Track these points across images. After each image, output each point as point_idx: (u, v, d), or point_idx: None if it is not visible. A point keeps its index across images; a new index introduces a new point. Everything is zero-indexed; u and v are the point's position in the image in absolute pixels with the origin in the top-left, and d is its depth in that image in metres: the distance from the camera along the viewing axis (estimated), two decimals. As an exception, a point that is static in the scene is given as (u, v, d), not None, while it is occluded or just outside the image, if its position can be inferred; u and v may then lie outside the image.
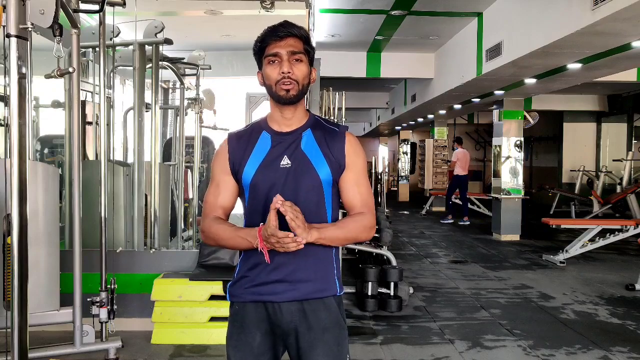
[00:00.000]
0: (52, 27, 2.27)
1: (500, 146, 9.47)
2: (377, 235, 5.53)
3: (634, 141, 12.88)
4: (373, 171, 9.74)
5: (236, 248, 1.65)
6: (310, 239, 1.51)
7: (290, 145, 1.66)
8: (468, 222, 11.24)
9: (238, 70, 6.36)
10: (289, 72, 1.60)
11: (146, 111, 4.59)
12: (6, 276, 2.40)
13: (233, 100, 6.14)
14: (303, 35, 1.64)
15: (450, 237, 9.64)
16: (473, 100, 9.51)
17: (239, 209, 1.77)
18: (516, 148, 9.39)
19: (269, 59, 1.62)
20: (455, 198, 11.88)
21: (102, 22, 3.35)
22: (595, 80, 7.46)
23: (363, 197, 1.69)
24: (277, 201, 1.47)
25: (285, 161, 1.64)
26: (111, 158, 4.41)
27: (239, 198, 1.75)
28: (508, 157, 9.38)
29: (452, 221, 11.51)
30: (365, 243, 5.52)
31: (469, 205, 11.93)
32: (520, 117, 9.43)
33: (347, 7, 6.50)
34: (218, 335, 3.86)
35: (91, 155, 5.28)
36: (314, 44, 1.72)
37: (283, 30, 1.61)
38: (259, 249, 1.53)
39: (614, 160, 12.70)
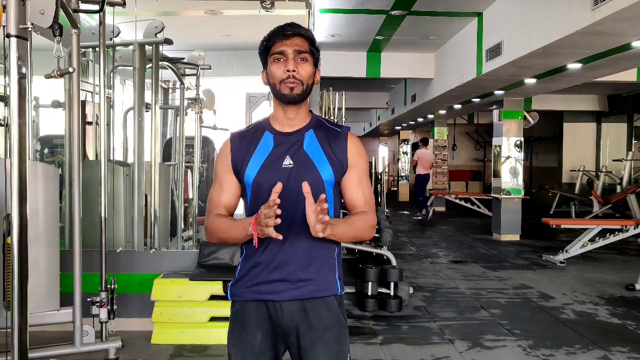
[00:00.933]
0: (52, 27, 2.27)
1: (500, 146, 9.47)
2: (377, 235, 5.53)
3: (634, 141, 12.88)
4: (373, 171, 9.75)
5: (234, 239, 1.62)
6: (324, 234, 1.49)
7: (293, 145, 1.66)
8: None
9: (238, 70, 6.36)
10: (294, 71, 1.60)
11: (146, 111, 4.58)
12: (6, 276, 2.40)
13: (233, 100, 6.15)
14: (310, 37, 1.65)
15: (450, 237, 9.64)
16: (473, 100, 9.51)
17: (241, 209, 1.77)
18: (516, 148, 9.39)
19: (275, 57, 1.62)
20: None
21: (102, 22, 3.35)
22: (595, 80, 7.45)
23: (366, 197, 1.70)
24: (304, 187, 1.45)
25: (288, 161, 1.64)
26: (111, 158, 4.41)
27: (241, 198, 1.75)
28: (508, 157, 9.38)
29: (430, 214, 12.19)
30: (365, 243, 5.52)
31: (469, 205, 12.60)
32: (520, 117, 9.43)
33: (347, 7, 6.50)
34: (218, 335, 3.86)
35: (91, 155, 5.28)
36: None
37: (290, 30, 1.61)
38: (250, 232, 1.50)
39: (614, 160, 12.70)
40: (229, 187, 1.71)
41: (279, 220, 1.43)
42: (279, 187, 1.45)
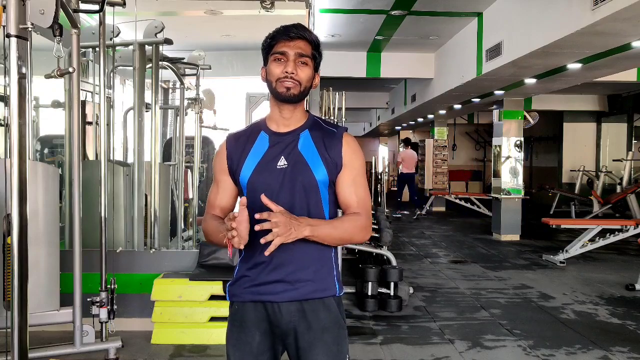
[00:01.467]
0: (52, 27, 2.27)
1: (500, 146, 9.47)
2: (377, 235, 5.53)
3: (634, 141, 12.88)
4: (373, 171, 9.75)
5: (219, 243, 1.61)
6: (301, 235, 1.50)
7: (288, 145, 1.66)
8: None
9: (238, 70, 6.36)
10: (293, 73, 1.60)
11: (146, 111, 4.58)
12: (6, 276, 2.40)
13: (233, 100, 6.14)
14: (314, 41, 1.64)
15: (450, 237, 9.64)
16: (473, 100, 9.51)
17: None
18: (516, 148, 9.39)
19: (276, 57, 1.62)
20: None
21: (102, 22, 3.35)
22: (595, 80, 7.45)
23: (359, 197, 1.68)
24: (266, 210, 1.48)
25: (282, 162, 1.63)
26: (111, 158, 4.41)
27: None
28: (508, 157, 9.38)
29: (400, 215, 12.80)
30: (365, 243, 5.52)
31: (469, 205, 12.71)
32: (520, 117, 9.43)
33: (347, 7, 6.50)
34: (218, 335, 3.86)
35: (91, 155, 5.28)
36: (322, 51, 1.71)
37: (295, 32, 1.61)
38: (225, 242, 1.52)
39: (614, 160, 12.70)
40: (224, 188, 1.72)
41: (244, 236, 1.48)
42: (244, 200, 1.51)
